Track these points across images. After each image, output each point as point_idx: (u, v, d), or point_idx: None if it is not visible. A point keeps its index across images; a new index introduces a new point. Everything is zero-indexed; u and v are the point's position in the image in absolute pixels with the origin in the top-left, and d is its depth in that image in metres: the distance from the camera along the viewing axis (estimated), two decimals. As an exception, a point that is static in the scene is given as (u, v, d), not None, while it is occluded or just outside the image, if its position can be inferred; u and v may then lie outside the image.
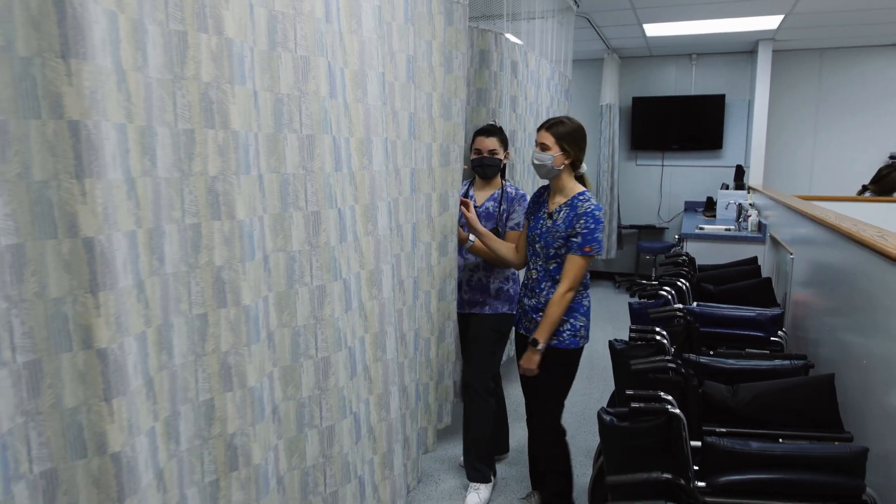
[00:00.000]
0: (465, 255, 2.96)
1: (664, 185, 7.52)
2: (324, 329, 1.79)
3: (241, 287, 1.48)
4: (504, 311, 2.89)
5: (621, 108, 7.38)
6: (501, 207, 2.85)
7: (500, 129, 2.89)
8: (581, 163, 2.41)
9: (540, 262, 2.43)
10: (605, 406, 1.69)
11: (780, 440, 1.82)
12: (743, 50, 6.93)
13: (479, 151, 2.83)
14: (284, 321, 1.70)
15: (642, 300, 3.00)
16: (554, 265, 2.38)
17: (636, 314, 2.88)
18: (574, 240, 2.30)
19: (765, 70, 6.42)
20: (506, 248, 2.67)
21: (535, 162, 2.37)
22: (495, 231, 2.81)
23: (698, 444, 1.73)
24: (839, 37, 6.27)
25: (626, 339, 2.38)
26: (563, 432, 2.54)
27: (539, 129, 2.41)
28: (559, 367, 2.40)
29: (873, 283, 2.08)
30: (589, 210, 2.30)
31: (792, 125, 6.99)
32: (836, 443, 1.71)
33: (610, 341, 2.34)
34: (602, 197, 7.14)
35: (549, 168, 2.35)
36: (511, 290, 2.92)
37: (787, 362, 2.14)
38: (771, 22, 5.59)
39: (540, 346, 2.33)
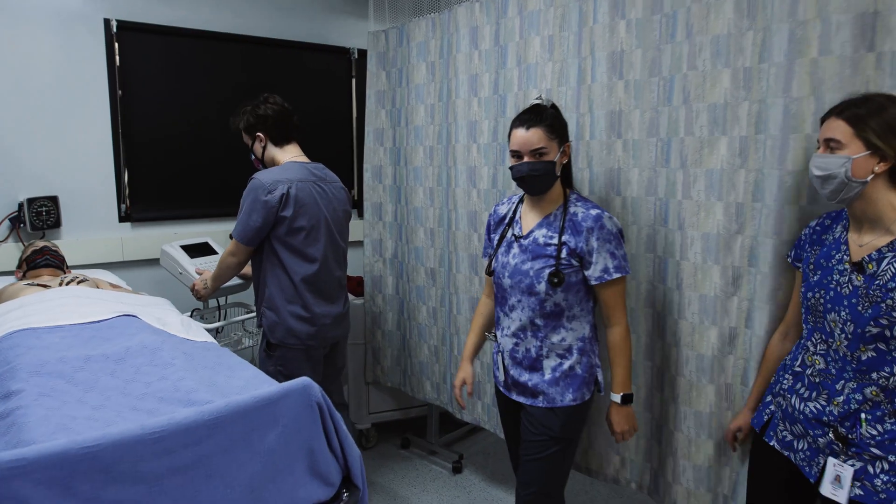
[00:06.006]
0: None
1: None
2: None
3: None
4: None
5: None
6: (562, 240, 1.81)
7: (548, 110, 1.80)
8: None
9: (833, 347, 1.44)
10: None
11: None
12: None
13: (516, 155, 1.81)
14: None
15: None
16: (870, 355, 1.36)
17: None
18: None
19: None
20: None
21: (816, 172, 1.42)
22: (554, 279, 1.79)
23: None
24: None
25: None
26: None
27: (825, 118, 1.44)
28: None
29: None
30: None
31: None
32: None
33: None
34: None
35: (844, 181, 1.38)
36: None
37: None
38: None
39: None
